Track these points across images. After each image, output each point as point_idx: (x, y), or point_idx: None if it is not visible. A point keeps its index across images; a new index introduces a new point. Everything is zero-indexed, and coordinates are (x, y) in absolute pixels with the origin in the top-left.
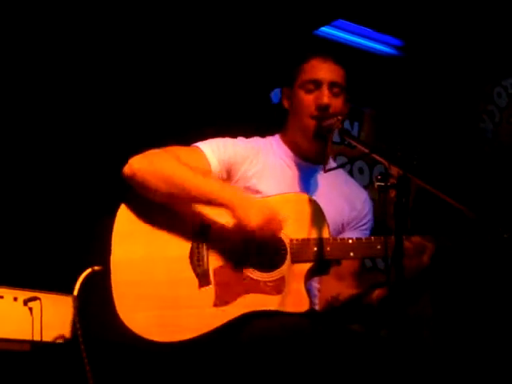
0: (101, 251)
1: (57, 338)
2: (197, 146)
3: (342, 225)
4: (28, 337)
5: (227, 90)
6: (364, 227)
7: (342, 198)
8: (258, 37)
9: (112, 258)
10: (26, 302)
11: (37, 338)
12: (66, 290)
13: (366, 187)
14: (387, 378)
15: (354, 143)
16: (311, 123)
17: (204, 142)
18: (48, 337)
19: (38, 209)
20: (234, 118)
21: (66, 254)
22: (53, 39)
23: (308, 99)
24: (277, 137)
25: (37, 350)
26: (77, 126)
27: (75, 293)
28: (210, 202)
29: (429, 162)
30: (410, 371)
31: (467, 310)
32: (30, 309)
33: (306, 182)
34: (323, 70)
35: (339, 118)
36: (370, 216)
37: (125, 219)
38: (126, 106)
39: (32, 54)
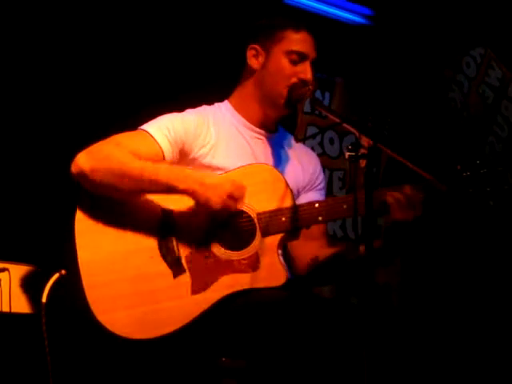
0: (65, 246)
1: (26, 310)
2: (144, 130)
3: (298, 190)
4: None
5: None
6: (319, 187)
7: (295, 163)
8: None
9: (80, 261)
10: None
11: (5, 309)
12: (34, 262)
13: (336, 157)
14: (358, 346)
15: (326, 113)
16: (285, 92)
17: (150, 123)
18: (17, 308)
19: (8, 180)
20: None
21: (34, 225)
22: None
23: (291, 69)
24: (226, 103)
25: (5, 320)
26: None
27: (43, 300)
28: (168, 191)
29: (399, 131)
30: (380, 338)
31: (435, 277)
32: None
33: (261, 150)
34: (310, 45)
35: (310, 87)
36: (321, 176)
37: (84, 219)
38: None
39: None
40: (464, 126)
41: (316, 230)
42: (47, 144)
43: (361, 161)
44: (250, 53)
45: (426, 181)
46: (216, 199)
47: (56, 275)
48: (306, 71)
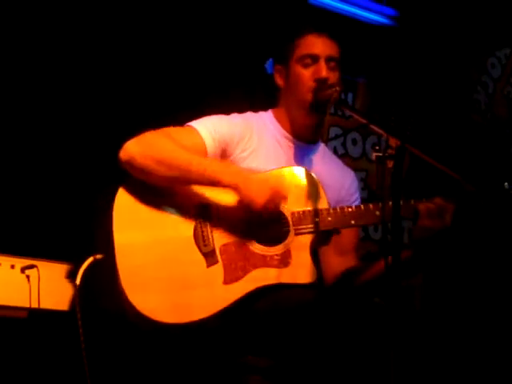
0: (98, 236)
1: (55, 306)
2: (192, 126)
3: (332, 203)
4: (25, 304)
5: (222, 62)
6: (354, 204)
7: (331, 177)
8: (253, 6)
9: (116, 243)
10: (23, 270)
11: (34, 305)
12: (63, 258)
13: (359, 158)
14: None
15: (352, 113)
16: (309, 96)
17: (199, 121)
18: (46, 304)
19: (36, 177)
20: (229, 90)
21: (65, 223)
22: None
23: (306, 73)
24: (269, 113)
25: (34, 317)
26: (72, 109)
27: (77, 282)
28: (212, 184)
29: (422, 132)
30: (402, 339)
31: (456, 280)
32: (28, 276)
33: (299, 160)
34: (320, 45)
35: (337, 88)
36: (357, 195)
37: (124, 203)
38: (119, 86)
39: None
40: (489, 128)
41: (348, 243)
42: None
43: (388, 161)
44: (275, 74)
45: (454, 182)
46: (259, 199)
47: (90, 259)
48: (319, 70)
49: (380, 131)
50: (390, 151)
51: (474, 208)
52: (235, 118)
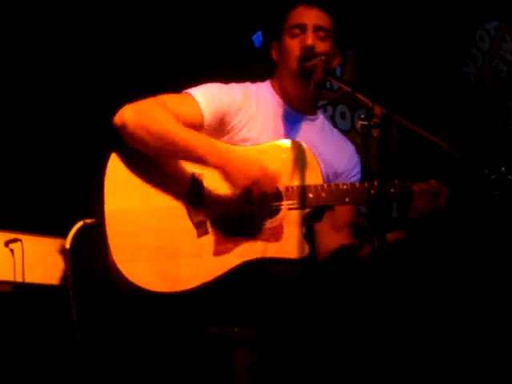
0: (88, 201)
1: (40, 280)
2: (190, 94)
3: (330, 176)
4: (10, 278)
5: (209, 34)
6: (353, 178)
7: (330, 149)
8: None
9: (106, 208)
10: (6, 244)
11: (19, 279)
12: (48, 232)
13: (348, 131)
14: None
15: (338, 82)
16: (295, 66)
17: (197, 88)
18: (31, 278)
19: (22, 151)
20: (216, 62)
21: (50, 196)
22: None
23: (293, 43)
24: (267, 83)
25: (19, 291)
26: (68, 73)
27: (67, 246)
28: (198, 163)
29: (411, 105)
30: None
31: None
32: (12, 250)
33: (297, 130)
34: (308, 15)
35: (322, 57)
36: (358, 168)
37: (116, 169)
38: (114, 52)
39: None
40: (477, 100)
41: (342, 219)
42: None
43: (373, 130)
44: (272, 50)
45: (440, 152)
46: (243, 180)
47: (80, 223)
48: (305, 39)
49: (365, 100)
50: (375, 120)
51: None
52: (234, 87)
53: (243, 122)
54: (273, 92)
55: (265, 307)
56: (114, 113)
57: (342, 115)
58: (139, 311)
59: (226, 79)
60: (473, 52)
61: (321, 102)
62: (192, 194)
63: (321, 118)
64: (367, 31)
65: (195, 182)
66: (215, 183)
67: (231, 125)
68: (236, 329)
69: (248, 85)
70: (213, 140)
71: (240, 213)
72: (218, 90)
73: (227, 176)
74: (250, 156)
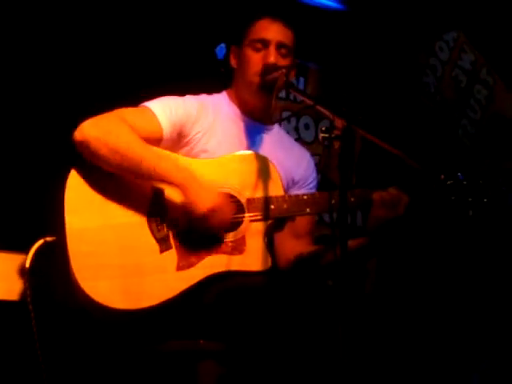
0: (49, 217)
1: (5, 296)
2: (148, 107)
3: (288, 184)
4: None
5: (171, 46)
6: (310, 186)
7: (287, 157)
8: None
9: (67, 227)
10: None
11: None
12: (13, 247)
13: (311, 143)
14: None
15: (299, 95)
16: (256, 79)
17: (154, 101)
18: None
19: None
20: (178, 75)
21: (15, 211)
22: None
23: (256, 57)
24: (224, 94)
25: None
26: (26, 88)
27: (27, 265)
28: (161, 181)
29: (373, 116)
30: (354, 320)
31: (409, 264)
32: None
33: (254, 140)
34: (272, 31)
35: (283, 70)
36: (314, 175)
37: (76, 186)
38: (72, 66)
39: None
40: (437, 110)
41: (302, 227)
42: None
43: (335, 142)
44: (230, 55)
45: (400, 161)
46: (202, 204)
47: (40, 241)
48: (267, 55)
49: (326, 112)
50: (336, 132)
51: (427, 197)
52: (190, 99)
53: (201, 133)
54: (230, 102)
55: (230, 319)
56: (73, 127)
57: (306, 126)
58: (102, 328)
59: (187, 91)
60: (432, 62)
61: (285, 114)
62: (153, 209)
63: (276, 127)
64: (329, 43)
65: (156, 197)
66: (176, 197)
67: (189, 137)
68: (201, 341)
69: (204, 96)
70: (174, 157)
71: (201, 227)
72: (174, 102)
73: (187, 195)
74: (205, 182)
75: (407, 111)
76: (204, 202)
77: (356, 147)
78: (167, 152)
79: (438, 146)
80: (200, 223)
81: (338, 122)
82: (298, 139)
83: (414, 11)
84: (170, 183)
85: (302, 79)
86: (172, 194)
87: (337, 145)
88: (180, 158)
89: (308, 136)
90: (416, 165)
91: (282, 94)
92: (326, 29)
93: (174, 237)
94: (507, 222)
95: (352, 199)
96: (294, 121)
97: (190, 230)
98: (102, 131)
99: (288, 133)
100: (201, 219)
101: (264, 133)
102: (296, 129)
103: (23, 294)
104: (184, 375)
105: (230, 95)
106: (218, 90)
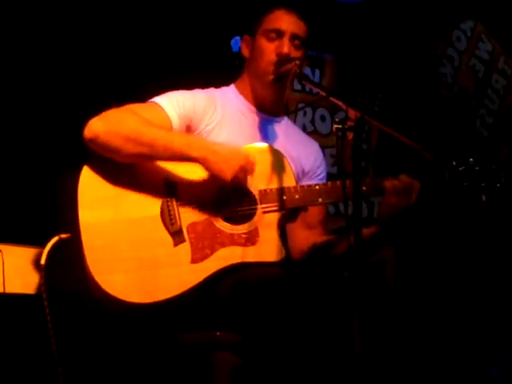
0: (63, 213)
1: (21, 290)
2: (155, 102)
3: (298, 175)
4: None
5: (187, 38)
6: (320, 176)
7: (297, 149)
8: None
9: (81, 222)
10: None
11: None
12: (28, 242)
13: (327, 135)
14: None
15: (312, 87)
16: (270, 69)
17: (162, 96)
18: (11, 288)
19: None
20: (194, 67)
21: (28, 207)
22: None
23: (269, 47)
24: (232, 87)
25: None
26: (34, 86)
27: (42, 262)
28: (181, 158)
29: (390, 106)
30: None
31: (428, 253)
32: None
33: (264, 132)
34: (286, 21)
35: (297, 62)
36: (324, 165)
37: (89, 182)
38: (82, 63)
39: None
40: (455, 101)
41: (314, 217)
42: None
43: (348, 133)
44: (242, 44)
45: (416, 153)
46: (228, 170)
47: (55, 238)
48: (281, 46)
49: (340, 103)
50: (349, 123)
51: (440, 184)
52: (198, 92)
53: (210, 126)
54: (239, 95)
55: (246, 311)
56: (85, 123)
57: (322, 118)
58: (119, 321)
59: (201, 84)
60: (449, 52)
61: (300, 105)
62: (166, 201)
63: (285, 118)
64: (345, 34)
65: (170, 188)
66: (190, 188)
67: (198, 130)
68: (218, 333)
69: (212, 90)
70: (190, 134)
71: (216, 217)
72: (182, 96)
73: (214, 165)
74: (232, 148)
75: (424, 102)
76: (230, 167)
77: (373, 139)
78: (181, 132)
79: (456, 137)
80: (234, 187)
81: (352, 113)
82: (314, 131)
83: (431, 1)
84: (188, 157)
85: (317, 71)
86: (187, 174)
87: (350, 136)
88: (196, 136)
89: (324, 128)
90: (429, 155)
91: (298, 87)
92: (342, 20)
93: (188, 229)
94: None
95: (364, 188)
96: (310, 113)
97: (210, 208)
98: (110, 123)
99: (304, 125)
100: (234, 183)
101: (273, 125)
102: (312, 121)
103: (39, 289)
104: (200, 367)
105: (238, 88)
106: (231, 83)
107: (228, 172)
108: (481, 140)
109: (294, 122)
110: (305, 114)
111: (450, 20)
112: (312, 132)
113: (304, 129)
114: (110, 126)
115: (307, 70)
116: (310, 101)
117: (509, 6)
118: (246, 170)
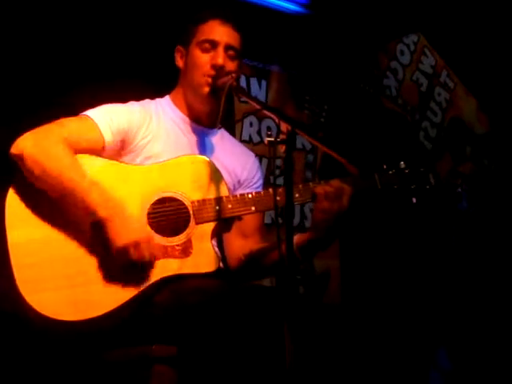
0: None
1: None
2: (89, 117)
3: (234, 185)
4: None
5: (123, 47)
6: (256, 185)
7: (232, 159)
8: None
9: (9, 241)
10: None
11: None
12: None
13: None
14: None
15: (247, 99)
16: (205, 81)
17: (96, 110)
18: None
19: None
20: (135, 78)
21: None
22: None
23: (204, 58)
24: (167, 98)
25: None
26: None
27: None
28: (87, 212)
29: (335, 118)
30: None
31: (374, 259)
32: None
33: (199, 144)
34: (221, 32)
35: (233, 75)
36: (259, 174)
37: (16, 200)
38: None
39: None
40: (399, 113)
41: (250, 226)
42: None
43: (280, 146)
44: (176, 55)
45: (347, 167)
46: (121, 239)
47: None
48: (216, 56)
49: (273, 116)
50: (281, 136)
51: (370, 187)
52: (133, 105)
53: (145, 140)
54: (174, 107)
55: (182, 323)
56: (14, 138)
57: (269, 129)
58: (52, 339)
59: (139, 95)
60: (393, 66)
61: (247, 120)
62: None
63: (221, 130)
64: (291, 46)
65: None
66: (100, 229)
67: (133, 144)
68: (153, 347)
69: (147, 101)
70: (104, 191)
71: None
72: (116, 110)
73: (109, 227)
74: (130, 217)
75: (368, 114)
76: (122, 238)
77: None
78: (101, 186)
79: (399, 149)
80: (119, 257)
81: (283, 126)
82: (261, 142)
83: (374, 14)
84: (96, 215)
85: (264, 82)
86: (119, 193)
87: (282, 148)
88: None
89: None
90: (355, 169)
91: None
92: (288, 31)
93: None
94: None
95: (297, 195)
96: (256, 124)
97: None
98: (39, 151)
99: (250, 136)
100: (119, 253)
101: (208, 136)
102: (259, 132)
103: None
104: (136, 381)
105: (173, 99)
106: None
107: (118, 240)
108: (423, 151)
109: (241, 131)
110: (251, 124)
111: (394, 33)
112: (259, 143)
113: (250, 139)
114: (37, 154)
115: (254, 81)
116: (259, 114)
117: (452, 19)
118: (139, 248)
